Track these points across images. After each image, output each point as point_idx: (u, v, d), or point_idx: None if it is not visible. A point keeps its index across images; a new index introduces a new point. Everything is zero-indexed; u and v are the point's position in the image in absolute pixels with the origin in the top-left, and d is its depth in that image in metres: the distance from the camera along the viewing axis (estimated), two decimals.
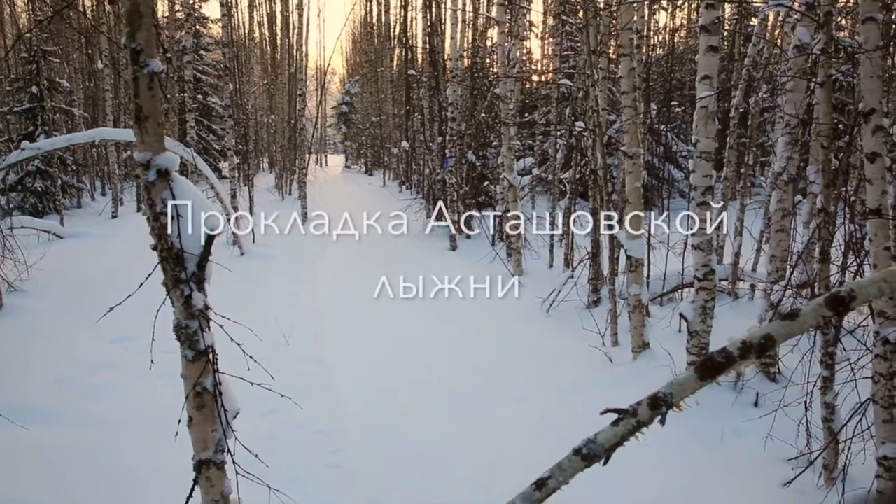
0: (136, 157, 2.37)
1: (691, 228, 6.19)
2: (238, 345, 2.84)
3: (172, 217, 2.33)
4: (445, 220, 13.75)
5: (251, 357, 2.93)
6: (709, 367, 1.45)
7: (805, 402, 4.89)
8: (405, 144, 23.65)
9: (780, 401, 5.10)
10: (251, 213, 15.66)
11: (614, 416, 1.52)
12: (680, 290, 9.36)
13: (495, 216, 13.69)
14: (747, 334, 1.44)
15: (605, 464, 1.53)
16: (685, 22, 22.79)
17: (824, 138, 5.04)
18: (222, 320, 2.63)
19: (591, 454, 1.46)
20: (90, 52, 21.79)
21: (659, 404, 1.44)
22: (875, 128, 3.95)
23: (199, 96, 23.72)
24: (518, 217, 11.82)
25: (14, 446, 4.98)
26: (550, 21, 21.06)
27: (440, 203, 14.66)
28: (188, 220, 2.34)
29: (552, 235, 12.38)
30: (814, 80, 5.36)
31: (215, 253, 2.57)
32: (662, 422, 1.47)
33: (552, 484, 1.49)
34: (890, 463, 4.02)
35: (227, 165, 19.35)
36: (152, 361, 2.93)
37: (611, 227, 7.84)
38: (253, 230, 13.93)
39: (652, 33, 20.01)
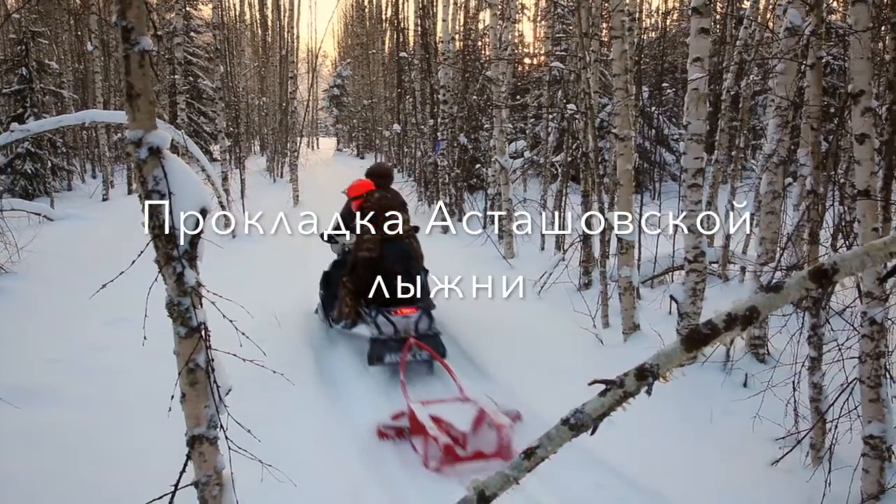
0: (127, 135, 2.37)
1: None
2: (231, 321, 2.85)
3: (164, 194, 2.34)
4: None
5: (243, 333, 2.94)
6: (694, 338, 1.47)
7: (793, 383, 4.94)
8: (397, 127, 23.62)
9: (768, 381, 5.15)
10: (242, 196, 15.60)
11: (602, 387, 1.55)
12: (670, 273, 9.40)
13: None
14: (732, 306, 1.46)
15: (592, 433, 1.55)
16: (677, 4, 22.77)
17: (814, 120, 5.06)
18: (215, 298, 2.64)
19: (578, 424, 1.49)
20: (79, 33, 21.65)
21: (646, 375, 1.47)
22: (864, 109, 3.97)
23: (190, 78, 23.59)
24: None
25: (7, 426, 5.00)
26: (542, 3, 21.03)
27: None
28: (180, 197, 2.35)
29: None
30: (804, 62, 5.37)
31: (207, 234, 2.58)
32: (649, 392, 1.49)
33: (541, 453, 1.51)
34: (876, 441, 4.07)
35: (218, 148, 19.29)
36: (145, 338, 2.94)
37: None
38: (245, 213, 13.92)
39: (644, 16, 19.96)
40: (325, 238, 7.75)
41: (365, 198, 7.17)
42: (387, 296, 6.80)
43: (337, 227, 7.52)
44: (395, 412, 5.51)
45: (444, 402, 5.57)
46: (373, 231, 6.95)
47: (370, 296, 6.80)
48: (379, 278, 6.81)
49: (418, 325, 6.61)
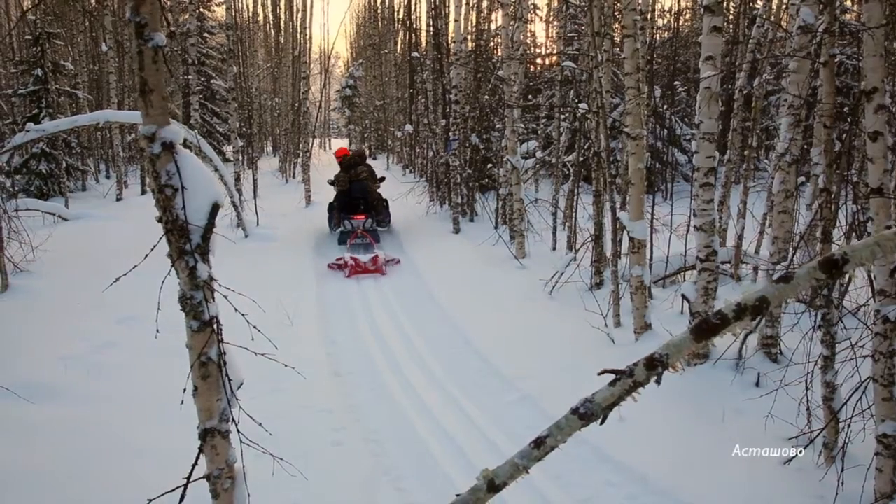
0: (140, 130, 2.38)
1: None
2: (242, 315, 2.87)
3: (177, 189, 2.35)
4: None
5: (255, 327, 2.95)
6: (704, 328, 1.47)
7: (806, 382, 4.92)
8: (409, 127, 23.60)
9: (780, 380, 5.14)
10: (255, 196, 15.65)
11: (612, 377, 1.54)
12: (682, 273, 9.37)
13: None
14: (742, 297, 1.46)
15: (602, 423, 1.55)
16: (690, 4, 22.69)
17: (827, 118, 5.04)
18: (227, 292, 2.65)
19: (588, 413, 1.49)
20: (94, 34, 21.77)
21: (655, 365, 1.47)
22: (877, 106, 3.96)
23: (203, 79, 23.67)
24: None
25: (21, 421, 5.04)
26: (555, 3, 20.98)
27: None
28: (192, 191, 2.36)
29: (555, 216, 12.36)
30: (817, 60, 5.35)
31: (219, 232, 2.58)
32: (658, 381, 1.49)
33: (550, 442, 1.51)
34: (889, 440, 4.04)
35: (231, 148, 19.34)
36: (157, 331, 2.95)
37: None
38: (257, 211, 14.00)
39: (656, 15, 19.91)
40: (329, 182, 13.53)
41: (343, 158, 13.48)
42: (352, 209, 12.68)
43: (334, 178, 13.37)
44: (337, 258, 11.31)
45: (364, 254, 11.15)
46: (345, 175, 13.12)
47: (344, 210, 12.66)
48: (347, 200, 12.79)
49: (365, 224, 12.32)
